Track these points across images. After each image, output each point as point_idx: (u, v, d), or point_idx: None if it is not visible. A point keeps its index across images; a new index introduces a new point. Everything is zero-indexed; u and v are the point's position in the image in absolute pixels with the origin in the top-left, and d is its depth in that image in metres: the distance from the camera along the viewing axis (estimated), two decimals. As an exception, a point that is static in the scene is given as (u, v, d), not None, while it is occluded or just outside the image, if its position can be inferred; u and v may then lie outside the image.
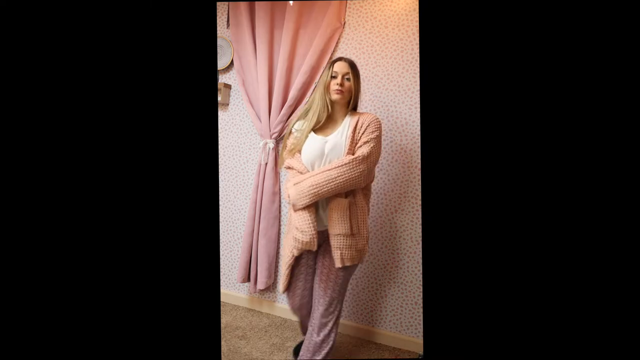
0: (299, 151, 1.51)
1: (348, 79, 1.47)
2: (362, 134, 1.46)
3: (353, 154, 1.44)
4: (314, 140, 1.48)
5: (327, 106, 1.48)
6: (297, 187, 1.46)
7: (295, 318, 1.88)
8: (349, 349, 1.85)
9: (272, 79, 1.90)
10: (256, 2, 1.85)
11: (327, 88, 1.47)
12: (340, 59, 1.50)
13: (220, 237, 2.12)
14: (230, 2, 1.88)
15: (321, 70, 1.85)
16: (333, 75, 1.47)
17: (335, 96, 1.46)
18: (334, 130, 1.49)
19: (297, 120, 1.56)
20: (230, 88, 2.07)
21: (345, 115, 1.51)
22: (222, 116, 2.12)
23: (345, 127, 1.48)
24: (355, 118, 1.49)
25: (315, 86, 1.60)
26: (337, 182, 1.41)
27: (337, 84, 1.45)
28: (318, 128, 1.51)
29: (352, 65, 1.49)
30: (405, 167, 1.79)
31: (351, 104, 1.51)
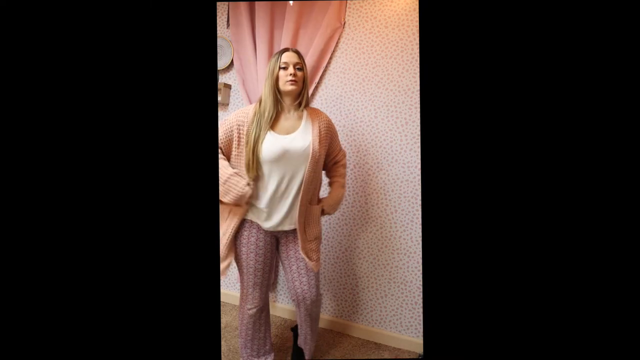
0: (254, 149, 1.40)
1: (300, 69, 1.40)
2: (332, 139, 1.51)
3: (327, 157, 1.52)
4: (275, 139, 1.40)
5: (279, 100, 1.40)
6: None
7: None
8: (349, 348, 1.85)
9: (272, 79, 1.90)
10: (256, 2, 1.85)
11: (276, 81, 1.39)
12: (286, 49, 1.43)
13: (220, 237, 2.11)
14: (230, 2, 1.88)
15: (321, 70, 1.85)
16: (282, 66, 1.38)
17: (289, 87, 1.38)
18: (293, 129, 1.43)
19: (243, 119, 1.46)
20: (230, 88, 2.06)
21: (297, 110, 1.44)
22: (222, 116, 2.11)
23: (307, 127, 1.44)
24: (315, 119, 1.44)
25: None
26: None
27: (290, 74, 1.37)
28: (272, 126, 1.41)
29: (300, 56, 1.44)
30: (405, 167, 1.79)
31: (303, 96, 1.43)
